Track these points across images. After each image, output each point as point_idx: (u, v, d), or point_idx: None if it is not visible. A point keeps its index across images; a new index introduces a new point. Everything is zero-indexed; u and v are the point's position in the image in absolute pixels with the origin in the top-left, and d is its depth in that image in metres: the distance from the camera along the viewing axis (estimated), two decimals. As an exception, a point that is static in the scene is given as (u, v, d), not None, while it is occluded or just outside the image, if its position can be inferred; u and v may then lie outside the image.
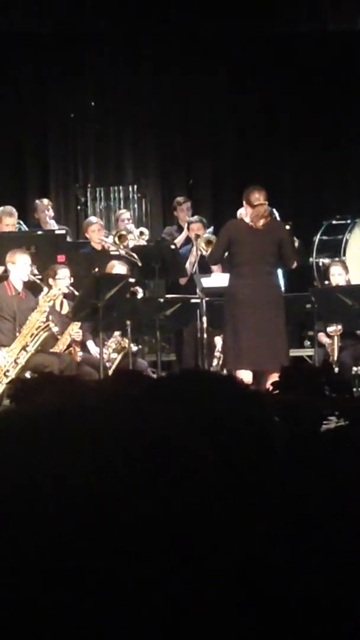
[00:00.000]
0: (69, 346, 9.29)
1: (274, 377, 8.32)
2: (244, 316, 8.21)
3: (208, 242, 10.34)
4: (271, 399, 2.40)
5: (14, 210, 10.68)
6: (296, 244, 10.60)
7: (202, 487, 1.22)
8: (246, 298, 8.22)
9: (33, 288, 9.27)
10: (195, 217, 11.00)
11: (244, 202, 8.48)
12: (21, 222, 11.01)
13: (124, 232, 10.76)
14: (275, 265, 8.45)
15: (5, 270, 9.29)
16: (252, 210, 8.34)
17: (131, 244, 10.67)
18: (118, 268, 9.63)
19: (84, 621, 1.18)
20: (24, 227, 11.01)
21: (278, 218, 10.52)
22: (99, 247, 10.75)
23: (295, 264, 9.75)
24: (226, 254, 8.50)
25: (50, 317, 8.91)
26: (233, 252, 8.39)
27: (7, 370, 8.77)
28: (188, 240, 10.75)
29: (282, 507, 1.43)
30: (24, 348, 8.80)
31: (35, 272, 9.86)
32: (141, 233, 10.90)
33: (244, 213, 10.82)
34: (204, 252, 10.30)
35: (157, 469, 1.20)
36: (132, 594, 1.18)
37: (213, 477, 1.23)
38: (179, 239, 10.91)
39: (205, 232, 10.59)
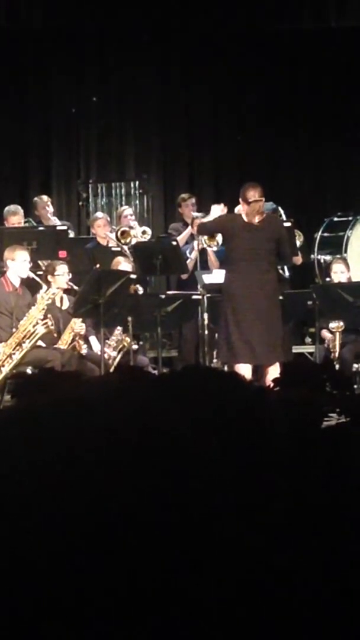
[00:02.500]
0: (72, 341, 9.29)
1: (271, 370, 8.38)
2: (240, 312, 8.23)
3: (211, 237, 10.36)
4: (273, 395, 2.40)
5: (19, 208, 10.72)
6: (300, 240, 10.61)
7: (205, 482, 1.23)
8: (242, 294, 8.24)
9: (32, 285, 9.27)
10: (200, 214, 11.00)
11: (240, 199, 8.50)
12: (31, 220, 11.04)
13: (126, 229, 10.75)
14: (273, 262, 8.46)
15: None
16: (248, 207, 8.36)
17: (133, 240, 10.66)
18: (124, 265, 9.64)
19: (86, 617, 1.18)
20: (34, 224, 11.03)
21: (283, 216, 10.52)
22: (104, 243, 10.75)
23: (293, 262, 9.77)
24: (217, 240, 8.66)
25: (49, 316, 8.91)
26: (229, 248, 8.43)
27: (2, 365, 8.78)
28: (193, 237, 10.75)
29: (284, 502, 1.43)
30: (19, 344, 8.80)
31: (40, 266, 9.86)
32: (144, 232, 10.88)
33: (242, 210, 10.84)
34: (206, 245, 10.31)
35: (160, 465, 1.20)
36: (135, 589, 1.18)
37: (216, 472, 1.24)
38: (184, 235, 10.90)
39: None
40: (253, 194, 8.36)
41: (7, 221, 10.58)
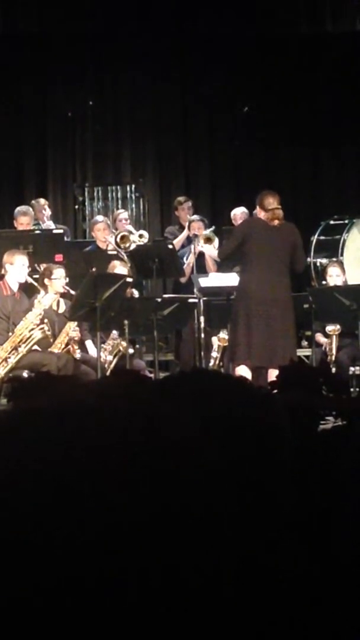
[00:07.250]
0: (67, 345, 9.29)
1: (273, 373, 8.30)
2: (255, 313, 8.23)
3: (207, 240, 10.36)
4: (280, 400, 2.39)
5: (30, 210, 10.76)
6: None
7: (205, 487, 1.23)
8: (257, 295, 8.24)
9: (29, 289, 9.26)
10: (196, 216, 11.01)
11: (258, 207, 8.51)
12: (40, 223, 11.06)
13: (125, 233, 10.74)
14: (287, 265, 8.47)
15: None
16: (267, 214, 8.38)
17: (132, 245, 10.65)
18: (119, 269, 9.63)
19: (83, 620, 1.18)
20: (42, 228, 11.06)
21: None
22: (104, 246, 10.74)
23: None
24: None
25: (45, 320, 8.90)
26: (247, 248, 8.39)
27: (-3, 369, 8.79)
28: (189, 240, 10.75)
29: (283, 507, 1.44)
30: (15, 348, 8.80)
31: (36, 269, 9.86)
32: (140, 236, 10.86)
33: (238, 215, 10.86)
34: (204, 249, 10.31)
35: (160, 469, 1.20)
36: (133, 594, 1.18)
37: (217, 477, 1.23)
38: (180, 238, 10.91)
39: (205, 231, 10.59)
40: (272, 202, 8.38)
41: (17, 221, 10.62)
